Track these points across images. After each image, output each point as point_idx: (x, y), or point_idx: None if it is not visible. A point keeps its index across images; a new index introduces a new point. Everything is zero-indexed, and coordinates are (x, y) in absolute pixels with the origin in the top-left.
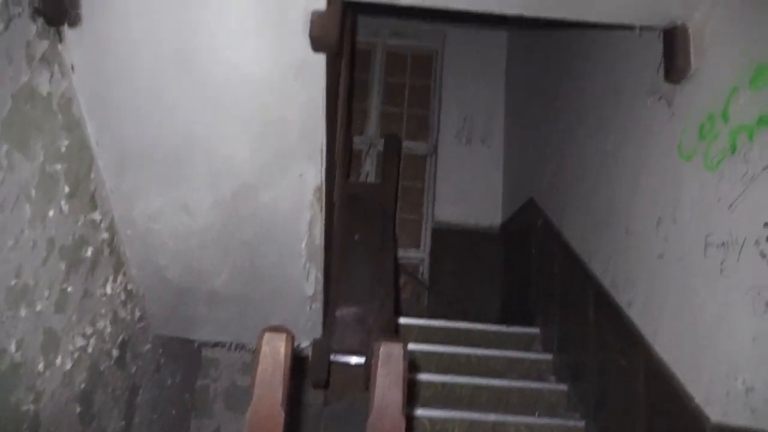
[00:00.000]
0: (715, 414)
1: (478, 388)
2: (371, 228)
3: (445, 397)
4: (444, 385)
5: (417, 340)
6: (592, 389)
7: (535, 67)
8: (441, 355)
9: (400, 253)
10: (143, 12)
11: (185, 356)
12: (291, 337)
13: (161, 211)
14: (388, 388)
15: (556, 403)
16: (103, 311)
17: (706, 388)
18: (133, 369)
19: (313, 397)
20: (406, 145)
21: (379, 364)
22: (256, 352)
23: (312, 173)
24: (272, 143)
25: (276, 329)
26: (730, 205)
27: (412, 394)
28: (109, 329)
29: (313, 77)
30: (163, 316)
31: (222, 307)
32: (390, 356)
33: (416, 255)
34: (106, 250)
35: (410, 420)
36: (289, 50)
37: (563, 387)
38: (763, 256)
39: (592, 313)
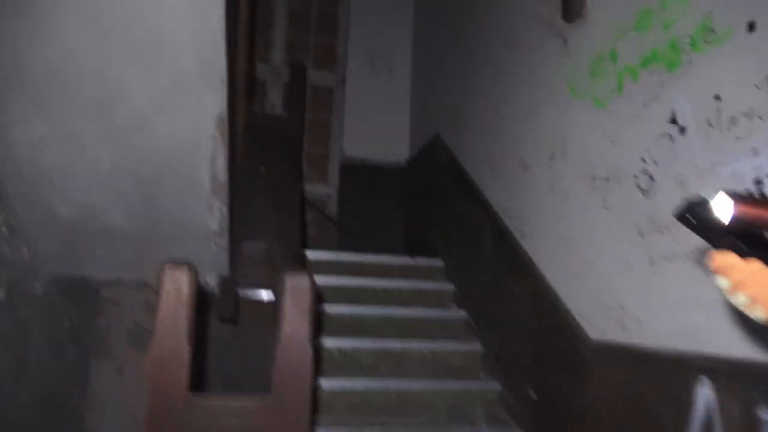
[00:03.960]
0: (593, 332)
1: (383, 317)
2: (277, 161)
3: (354, 328)
4: (352, 315)
5: (325, 273)
6: (488, 314)
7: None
8: (348, 287)
9: (308, 187)
10: None
11: (82, 296)
12: (194, 271)
13: (45, 140)
14: (295, 318)
15: (456, 329)
16: None
17: (586, 309)
18: (24, 310)
19: (221, 332)
20: (313, 75)
21: (287, 295)
22: (157, 287)
23: (212, 102)
24: (167, 68)
25: (178, 264)
26: (613, 141)
27: (320, 325)
28: None
29: None
30: (56, 254)
31: (120, 244)
32: (297, 287)
33: (324, 190)
34: None
35: (318, 350)
36: None
37: (463, 314)
38: (638, 188)
39: (489, 243)
